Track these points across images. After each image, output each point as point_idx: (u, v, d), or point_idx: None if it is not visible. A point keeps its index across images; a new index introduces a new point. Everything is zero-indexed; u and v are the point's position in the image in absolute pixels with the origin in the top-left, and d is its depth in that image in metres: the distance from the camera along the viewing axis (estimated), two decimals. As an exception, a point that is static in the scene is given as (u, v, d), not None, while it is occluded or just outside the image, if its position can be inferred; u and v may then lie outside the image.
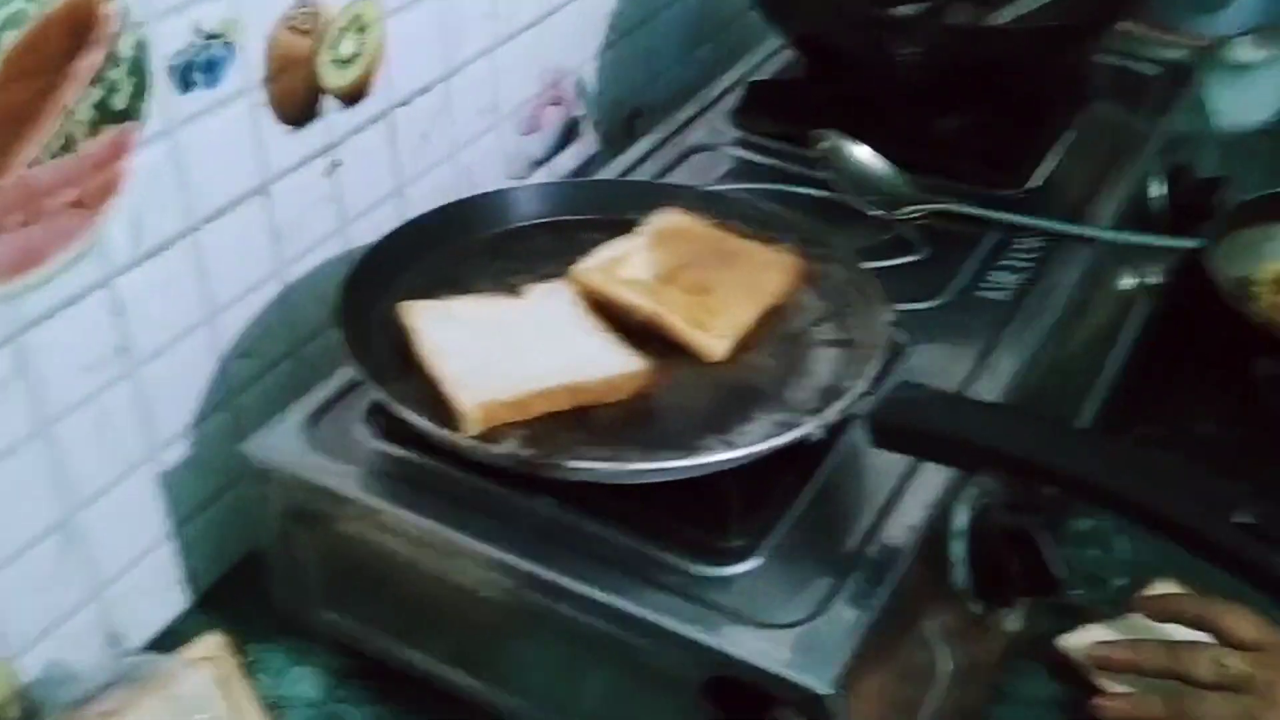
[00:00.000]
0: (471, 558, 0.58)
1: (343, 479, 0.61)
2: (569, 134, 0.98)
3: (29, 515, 0.62)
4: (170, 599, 0.72)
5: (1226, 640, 0.60)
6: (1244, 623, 0.59)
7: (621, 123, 1.04)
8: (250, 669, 0.66)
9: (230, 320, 0.71)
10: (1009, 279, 0.75)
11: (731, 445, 0.57)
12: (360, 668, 0.68)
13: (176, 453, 0.70)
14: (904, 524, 0.58)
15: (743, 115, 0.91)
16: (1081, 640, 0.66)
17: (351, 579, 0.65)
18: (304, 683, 0.68)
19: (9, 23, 0.54)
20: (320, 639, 0.69)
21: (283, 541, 0.65)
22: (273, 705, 0.65)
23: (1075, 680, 0.65)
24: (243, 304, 0.71)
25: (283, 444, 0.63)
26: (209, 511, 0.73)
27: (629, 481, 0.56)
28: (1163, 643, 0.62)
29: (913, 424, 0.55)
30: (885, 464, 0.61)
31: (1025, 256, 0.77)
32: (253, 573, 0.72)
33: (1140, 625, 0.66)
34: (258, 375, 0.74)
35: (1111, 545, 0.75)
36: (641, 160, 0.87)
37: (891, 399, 0.57)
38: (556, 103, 0.95)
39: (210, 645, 0.62)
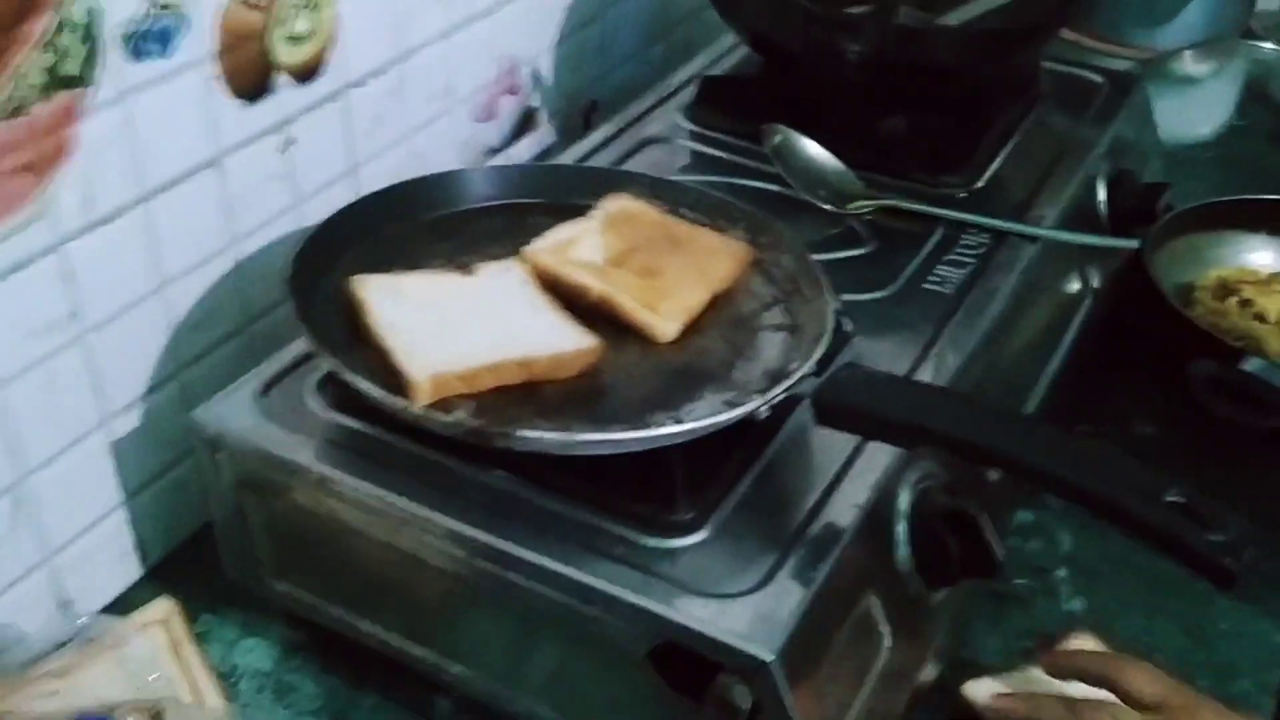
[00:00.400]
0: (423, 527, 0.58)
1: (295, 448, 0.62)
2: (525, 123, 0.98)
3: (-24, 478, 0.62)
4: (122, 568, 0.72)
5: (1126, 698, 0.58)
6: (1145, 680, 0.58)
7: (577, 114, 1.04)
8: (202, 639, 0.67)
9: (181, 292, 0.71)
10: (954, 273, 0.77)
11: (679, 421, 0.58)
12: (311, 639, 0.68)
13: (127, 422, 0.70)
14: (848, 502, 0.59)
15: (697, 109, 0.92)
16: (985, 690, 0.65)
17: (303, 549, 0.65)
18: (255, 653, 0.68)
19: (-40, -17, 0.54)
20: (272, 610, 0.69)
21: (234, 511, 0.65)
22: (224, 675, 0.65)
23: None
24: (194, 276, 0.71)
25: (235, 412, 0.64)
26: (160, 483, 0.73)
27: (577, 452, 0.56)
28: (1062, 698, 0.61)
29: (855, 402, 0.57)
30: (831, 446, 0.62)
31: (970, 252, 0.79)
32: (204, 547, 0.72)
33: (1043, 678, 0.66)
34: (208, 349, 0.74)
35: (1055, 538, 0.77)
36: (596, 150, 0.88)
37: (835, 379, 0.58)
38: (512, 92, 0.96)
39: (161, 609, 0.62)
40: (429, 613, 0.63)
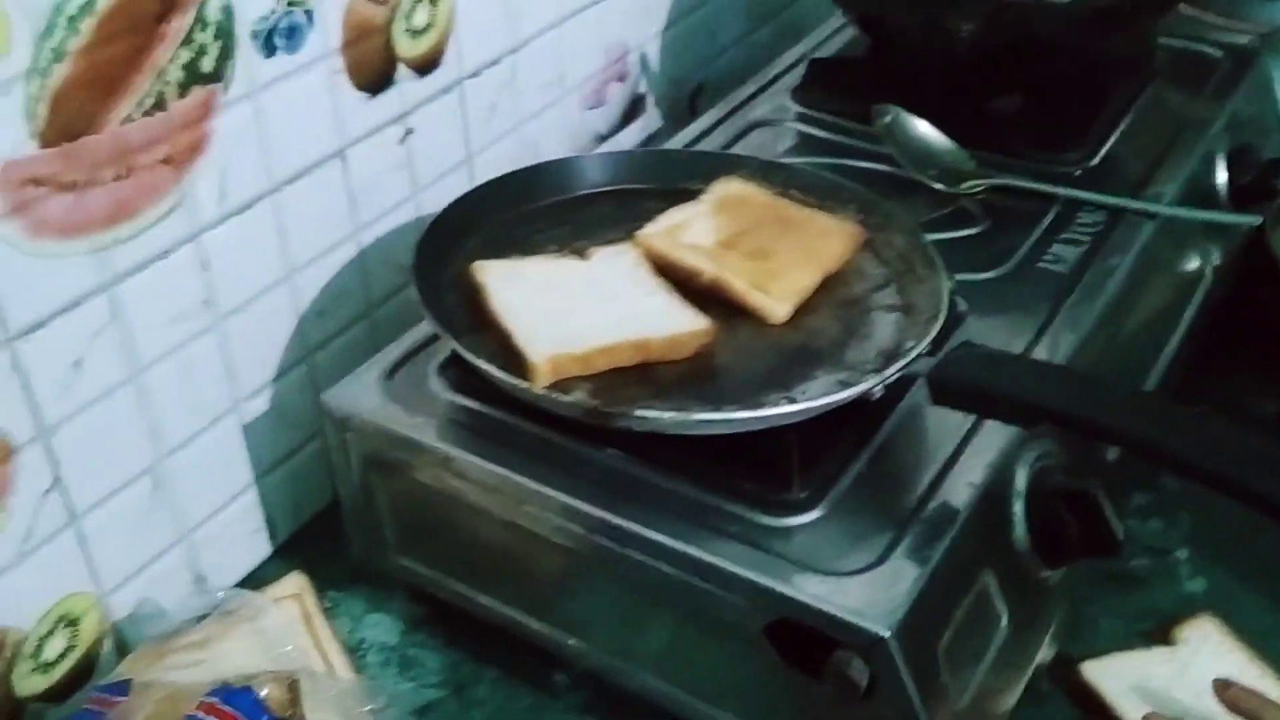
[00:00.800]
0: (541, 503, 0.60)
1: (419, 428, 0.64)
2: (633, 109, 1.00)
3: (122, 458, 0.65)
4: (252, 546, 0.75)
5: None
6: None
7: (684, 100, 1.05)
8: (329, 614, 0.69)
9: (308, 279, 0.73)
10: (1069, 252, 0.76)
11: (793, 401, 0.59)
12: (434, 614, 0.71)
13: (257, 405, 0.73)
14: (964, 481, 0.59)
15: (804, 92, 0.92)
16: (1104, 670, 0.65)
17: (426, 526, 0.67)
18: (380, 627, 0.71)
19: (105, -16, 0.57)
20: (395, 586, 0.71)
21: (361, 489, 0.68)
22: (351, 649, 0.68)
23: (1093, 708, 0.64)
24: (320, 264, 0.74)
25: (362, 394, 0.66)
26: (288, 464, 0.76)
27: (693, 432, 0.57)
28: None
29: (971, 381, 0.57)
30: (946, 425, 0.62)
31: (1086, 231, 0.78)
32: (329, 526, 0.75)
33: (1165, 657, 0.66)
34: (334, 334, 0.76)
35: (1174, 518, 0.76)
36: (703, 135, 0.89)
37: (950, 357, 0.58)
38: (620, 79, 0.97)
39: (294, 584, 0.65)
40: (547, 588, 0.64)
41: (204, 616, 0.65)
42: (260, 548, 0.76)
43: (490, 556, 0.65)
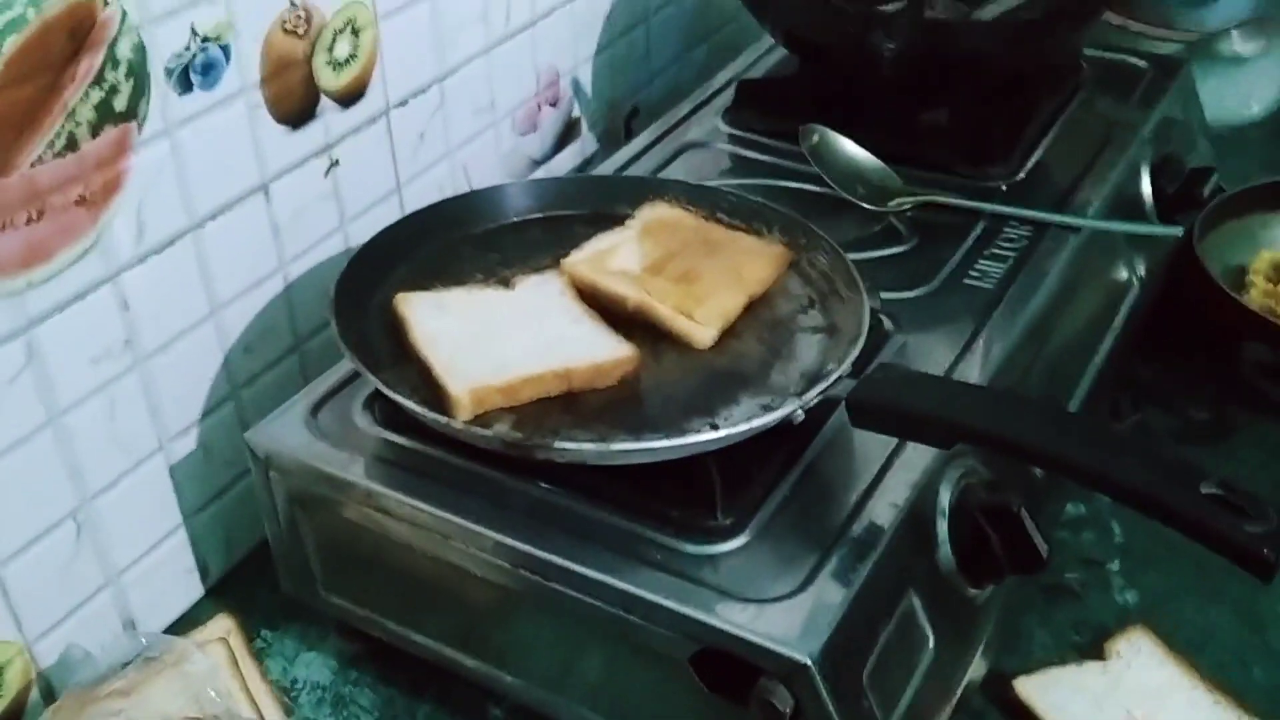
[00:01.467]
0: (468, 539, 0.60)
1: (344, 465, 0.63)
2: (566, 134, 1.00)
3: (44, 502, 0.64)
4: (183, 587, 0.74)
5: None
6: None
7: (619, 123, 1.05)
8: (262, 654, 0.69)
9: (233, 315, 0.73)
10: (996, 267, 0.76)
11: (715, 427, 0.59)
12: (367, 650, 0.70)
13: (184, 445, 0.72)
14: (887, 502, 0.60)
15: (734, 113, 0.93)
16: (1038, 684, 0.66)
17: (354, 564, 0.66)
18: (313, 666, 0.70)
19: (10, 26, 0.56)
20: (328, 623, 0.71)
21: (289, 528, 0.67)
22: (284, 689, 0.67)
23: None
24: (246, 300, 0.73)
25: (286, 432, 0.65)
26: (218, 503, 0.75)
27: (615, 462, 0.57)
28: None
29: (888, 403, 0.57)
30: (871, 447, 0.63)
31: (1012, 245, 0.78)
32: (262, 564, 0.74)
33: (1098, 671, 0.67)
34: (261, 370, 0.76)
35: (1107, 529, 0.77)
36: (636, 158, 0.89)
37: (869, 379, 0.58)
38: (553, 103, 0.97)
39: (220, 627, 0.64)
40: (478, 623, 0.64)
41: (131, 661, 0.64)
42: (193, 588, 0.75)
43: (420, 593, 0.65)
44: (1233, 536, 0.48)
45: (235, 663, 0.63)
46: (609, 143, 1.03)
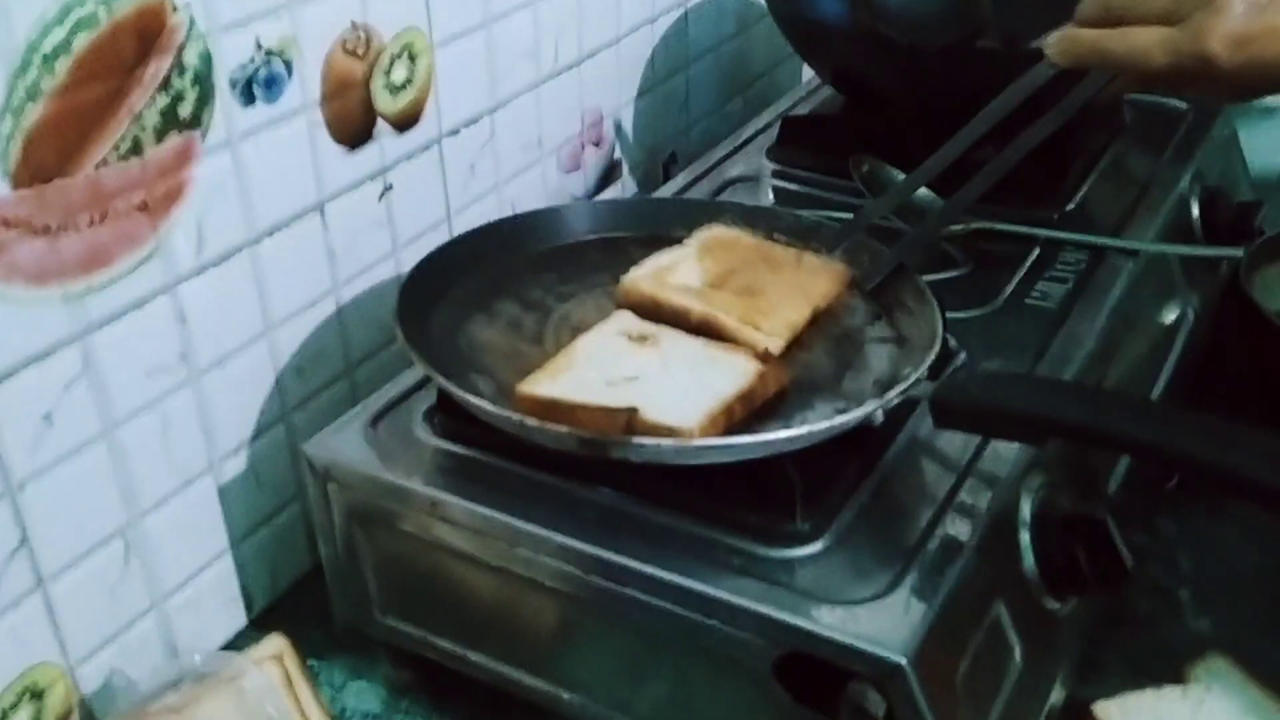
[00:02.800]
0: (535, 545, 0.58)
1: (405, 474, 0.61)
2: (608, 175, 1.00)
3: (93, 518, 0.63)
4: (228, 615, 0.72)
5: None
6: None
7: (658, 168, 1.06)
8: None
9: (286, 335, 0.72)
10: (1056, 288, 0.76)
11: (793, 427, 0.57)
12: (418, 679, 0.68)
13: (234, 466, 0.70)
14: (968, 510, 0.58)
15: (779, 149, 0.93)
16: (1119, 709, 0.63)
17: (413, 582, 0.64)
18: (364, 695, 0.68)
19: (81, 25, 0.56)
20: (378, 653, 0.69)
21: (345, 545, 0.65)
22: (334, 718, 0.65)
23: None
24: (299, 320, 0.72)
25: (345, 443, 0.64)
26: (265, 529, 0.73)
27: (693, 460, 0.56)
28: None
29: (976, 400, 0.56)
30: (947, 455, 0.61)
31: (1070, 268, 0.78)
32: (307, 595, 0.72)
33: (1177, 696, 0.65)
34: (312, 393, 0.74)
35: (1173, 559, 0.75)
36: (681, 192, 0.89)
37: (953, 378, 0.57)
38: (596, 144, 0.97)
39: (275, 645, 0.62)
40: (541, 640, 0.62)
41: (177, 684, 0.62)
42: (236, 617, 0.73)
43: (481, 610, 0.63)
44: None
45: (290, 682, 0.61)
46: (648, 187, 1.03)
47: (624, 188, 1.02)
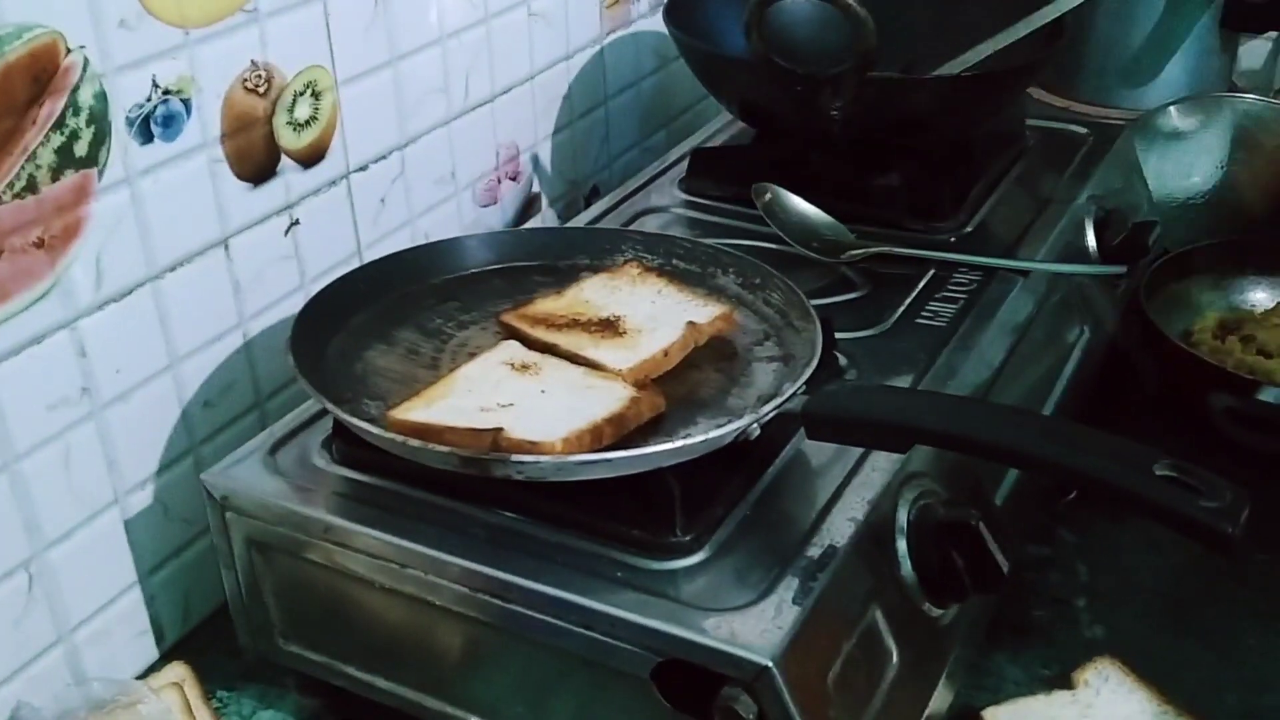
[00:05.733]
0: (427, 566, 0.59)
1: (303, 501, 0.63)
2: (527, 209, 1.02)
3: (-3, 549, 0.63)
4: (138, 649, 0.73)
5: None
6: None
7: (579, 202, 1.08)
8: (219, 714, 0.67)
9: (192, 369, 0.73)
10: (947, 308, 0.78)
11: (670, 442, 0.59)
12: (327, 706, 0.69)
13: (141, 499, 0.71)
14: (845, 519, 0.60)
15: (689, 180, 0.95)
16: (1007, 715, 0.65)
17: (314, 610, 0.65)
18: (272, 724, 0.69)
19: (-26, 68, 0.57)
20: (287, 682, 0.69)
21: (246, 573, 0.66)
22: (235, 746, 0.66)
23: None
24: (205, 354, 0.73)
25: (244, 472, 0.65)
26: (175, 562, 0.74)
27: (573, 476, 0.57)
28: None
29: (843, 411, 0.57)
30: (829, 469, 0.63)
31: (962, 288, 0.80)
32: (219, 629, 0.73)
33: (1066, 700, 0.67)
34: (221, 426, 0.75)
35: (1071, 569, 0.77)
36: (594, 221, 0.91)
37: (823, 392, 0.59)
38: (514, 178, 0.99)
39: (176, 673, 0.63)
40: (442, 663, 0.63)
41: (77, 712, 0.62)
42: (147, 650, 0.74)
43: (382, 635, 0.64)
44: (1190, 514, 0.48)
45: (189, 708, 0.62)
46: (569, 219, 1.05)
47: (544, 220, 1.04)
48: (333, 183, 0.80)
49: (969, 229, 0.87)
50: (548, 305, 0.71)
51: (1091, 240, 0.90)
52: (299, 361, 0.63)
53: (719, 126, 1.06)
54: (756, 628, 0.53)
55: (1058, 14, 0.93)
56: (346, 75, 0.79)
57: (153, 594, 0.73)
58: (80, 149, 0.63)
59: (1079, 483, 0.51)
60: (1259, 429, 0.82)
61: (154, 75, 0.66)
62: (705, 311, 0.69)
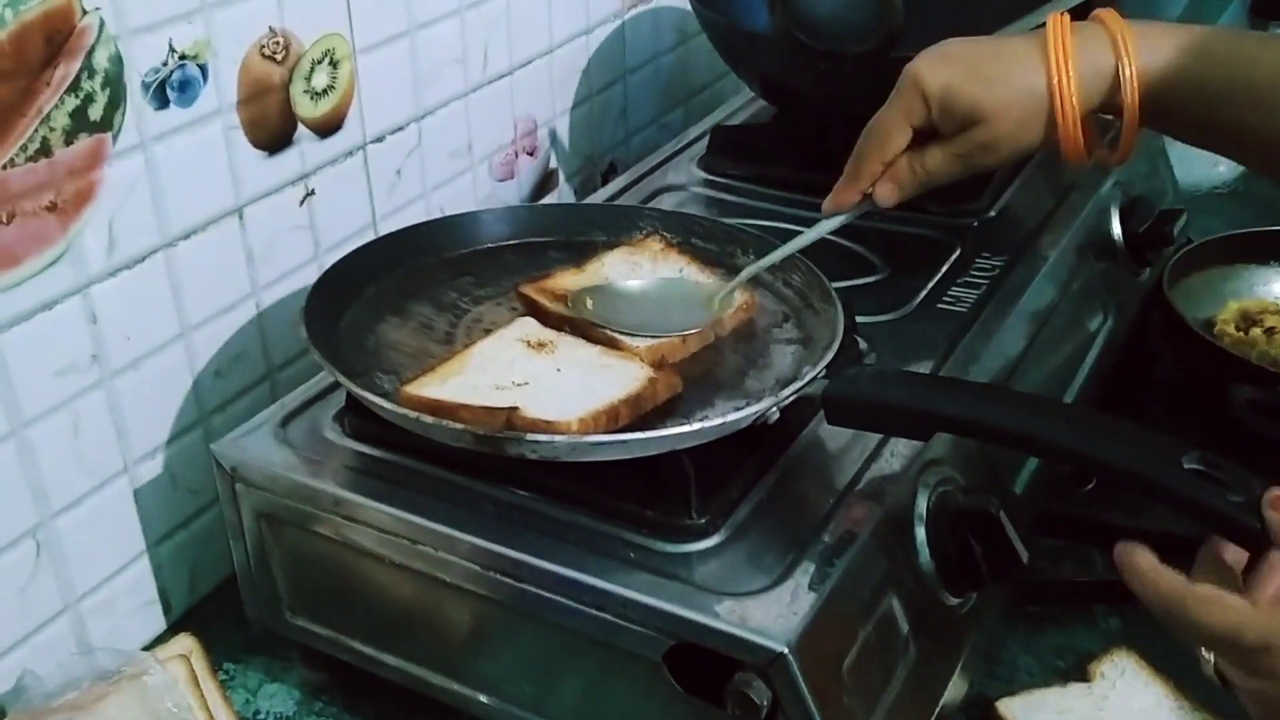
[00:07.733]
0: (438, 543, 0.58)
1: (313, 474, 0.62)
2: (544, 184, 1.00)
3: (4, 517, 0.63)
4: (144, 619, 0.72)
5: None
6: None
7: (596, 177, 1.06)
8: (224, 687, 0.66)
9: (204, 339, 0.72)
10: (969, 293, 0.77)
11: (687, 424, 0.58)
12: (333, 681, 0.68)
13: (150, 469, 0.70)
14: (864, 505, 0.59)
15: (709, 158, 0.94)
16: (1022, 705, 0.65)
17: (322, 583, 0.65)
18: (278, 698, 0.68)
19: (-11, 25, 0.57)
20: (293, 655, 0.69)
21: (255, 546, 0.65)
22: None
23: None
24: (217, 323, 0.73)
25: (254, 444, 0.64)
26: (183, 532, 0.74)
27: (588, 457, 0.56)
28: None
29: (864, 397, 0.56)
30: (847, 454, 0.62)
31: (985, 274, 0.79)
32: (226, 600, 0.72)
33: (1081, 693, 0.66)
34: (232, 397, 0.75)
35: (1087, 559, 0.76)
36: (612, 199, 0.90)
37: (844, 376, 0.58)
38: (530, 153, 0.98)
39: (183, 645, 0.62)
40: (451, 640, 0.62)
41: (89, 675, 0.62)
42: (154, 621, 0.73)
43: (389, 610, 0.63)
44: (1217, 507, 0.47)
45: (195, 680, 0.61)
46: (586, 196, 1.04)
47: (560, 196, 1.03)
48: (349, 153, 0.79)
49: (992, 214, 0.86)
50: (567, 279, 0.69)
51: (1117, 228, 0.89)
52: (312, 333, 0.62)
53: (739, 105, 1.05)
54: (772, 613, 0.52)
55: (1086, -3, 0.91)
56: (364, 44, 0.78)
57: (160, 564, 0.73)
58: (94, 112, 0.62)
59: (1106, 474, 0.50)
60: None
61: (170, 39, 0.65)
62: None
